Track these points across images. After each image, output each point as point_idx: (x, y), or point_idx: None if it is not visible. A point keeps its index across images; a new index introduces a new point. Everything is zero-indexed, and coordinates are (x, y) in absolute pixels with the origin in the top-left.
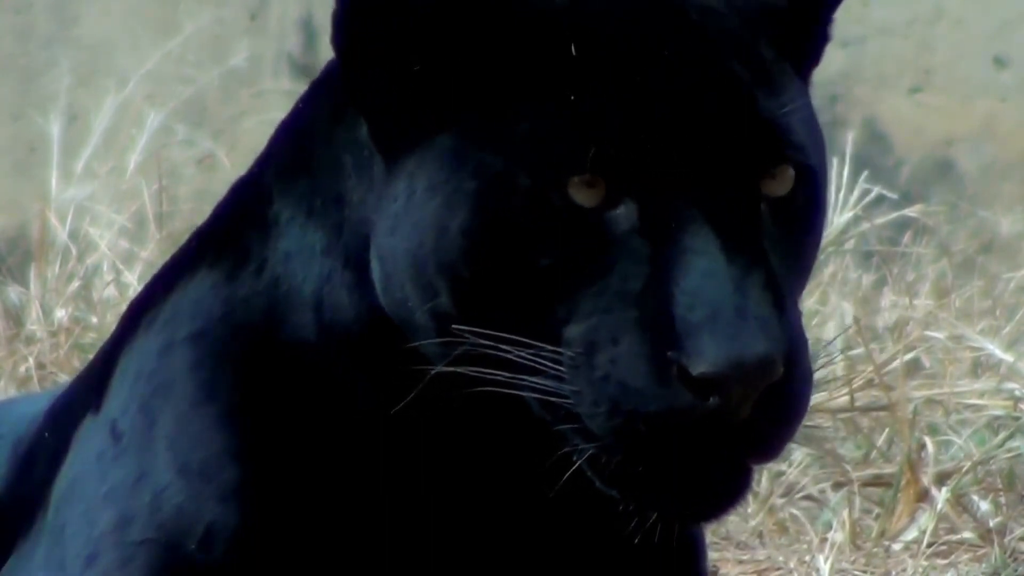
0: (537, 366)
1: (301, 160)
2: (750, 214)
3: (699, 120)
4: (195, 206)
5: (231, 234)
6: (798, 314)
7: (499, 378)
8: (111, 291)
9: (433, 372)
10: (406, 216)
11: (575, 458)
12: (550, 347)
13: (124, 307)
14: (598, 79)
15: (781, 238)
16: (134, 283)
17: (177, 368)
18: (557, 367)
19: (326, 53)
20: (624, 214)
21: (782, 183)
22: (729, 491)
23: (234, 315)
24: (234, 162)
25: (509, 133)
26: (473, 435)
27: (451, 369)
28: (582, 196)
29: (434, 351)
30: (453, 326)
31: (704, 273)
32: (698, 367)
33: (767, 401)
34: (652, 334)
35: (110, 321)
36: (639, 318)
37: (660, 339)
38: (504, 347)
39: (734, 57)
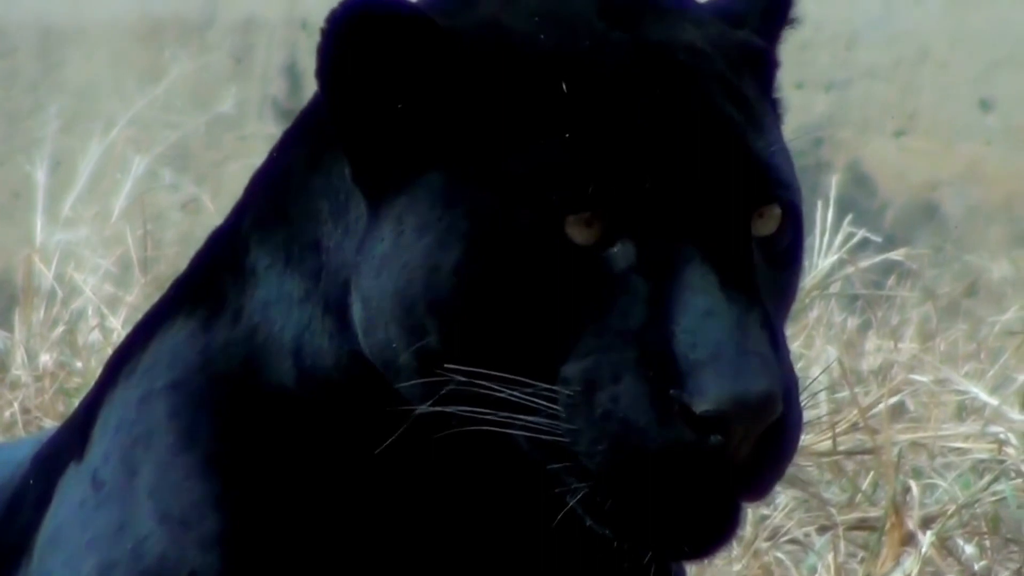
0: (532, 405)
1: (278, 208)
2: (746, 252)
3: (695, 159)
4: (180, 250)
5: (208, 283)
6: (789, 353)
7: (489, 417)
8: (96, 336)
9: (417, 412)
10: (394, 257)
11: (568, 498)
12: (545, 385)
13: (109, 352)
14: (593, 117)
15: (768, 277)
16: (118, 328)
17: (156, 417)
18: (553, 406)
19: (310, 97)
20: (621, 252)
21: (769, 222)
22: (722, 529)
23: (212, 364)
24: (218, 206)
25: (504, 171)
26: (458, 475)
27: (437, 409)
28: (579, 234)
29: (415, 392)
30: (445, 365)
31: (704, 311)
32: (701, 405)
33: (764, 440)
34: (653, 372)
35: (95, 366)
36: (640, 356)
37: (662, 377)
38: (494, 386)
39: (724, 97)
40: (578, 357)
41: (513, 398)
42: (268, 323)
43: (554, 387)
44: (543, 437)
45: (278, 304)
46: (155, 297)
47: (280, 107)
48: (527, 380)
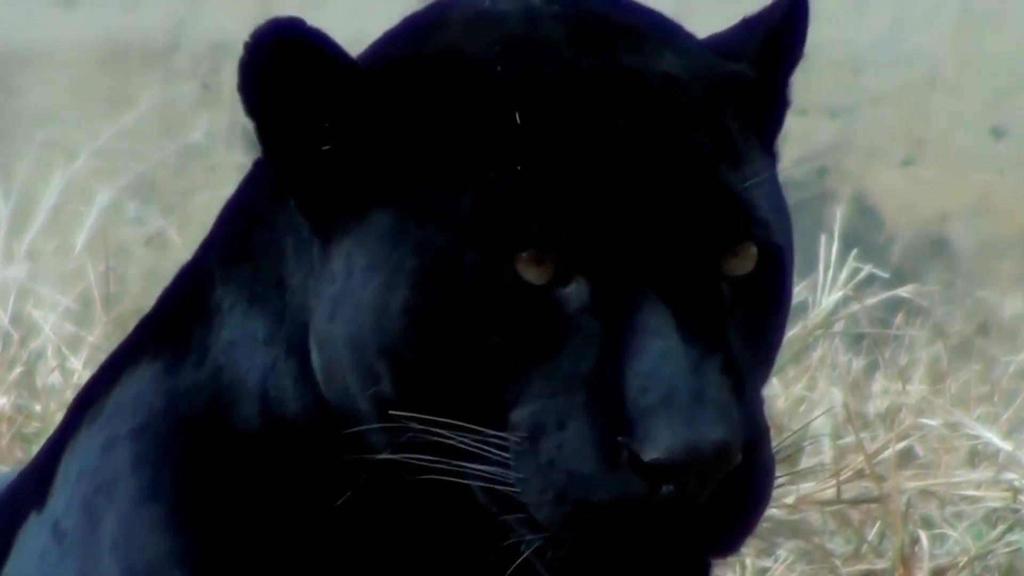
0: (481, 452)
1: (243, 244)
2: (710, 293)
3: (655, 192)
4: (144, 287)
5: (173, 323)
6: (760, 400)
7: (441, 466)
8: (55, 378)
9: (376, 460)
10: (345, 298)
11: (522, 548)
12: (493, 432)
13: (69, 395)
14: (546, 149)
15: (743, 320)
16: (79, 369)
17: (119, 465)
18: (502, 453)
19: None
20: (575, 292)
21: (744, 262)
22: None
23: (176, 408)
24: (185, 240)
25: (452, 207)
26: (425, 524)
27: (395, 457)
28: (531, 273)
29: (379, 440)
30: (391, 412)
31: (658, 354)
32: (650, 453)
33: (726, 491)
34: (601, 418)
35: (54, 409)
36: (588, 401)
37: (610, 423)
38: (445, 433)
39: (697, 127)
40: (527, 402)
41: (463, 446)
42: (233, 365)
43: (504, 434)
44: (494, 487)
45: (243, 345)
46: (118, 336)
47: (250, 135)
48: (477, 427)
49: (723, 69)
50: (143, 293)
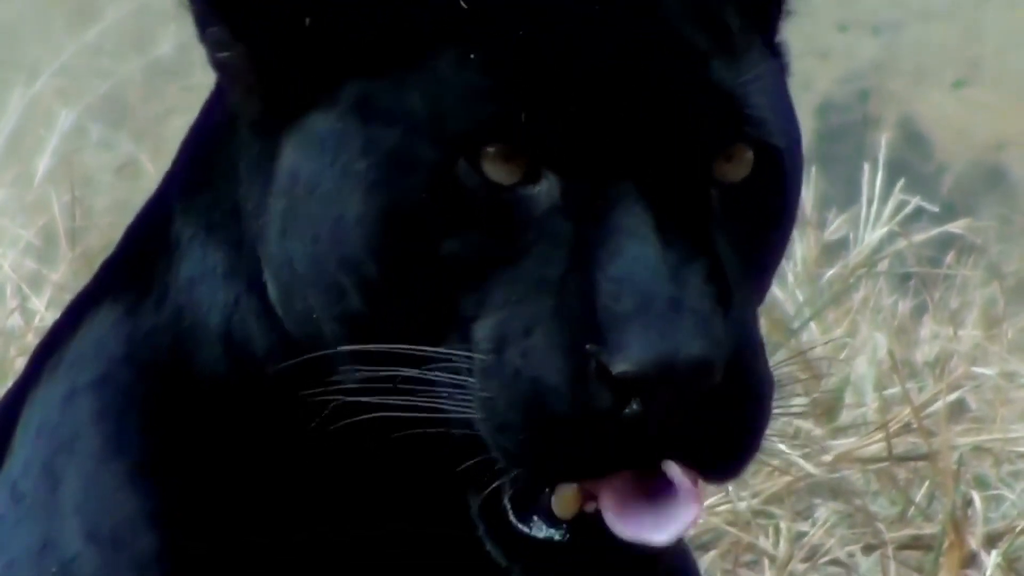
0: (452, 380)
1: (202, 171)
2: (696, 195)
3: (637, 83)
4: (113, 220)
5: (135, 261)
6: (753, 317)
7: (404, 402)
8: (15, 320)
9: (346, 399)
10: (295, 211)
11: (506, 489)
12: (464, 353)
13: (31, 338)
14: (516, 31)
15: (736, 231)
16: (41, 310)
17: (80, 419)
18: (469, 378)
19: None
20: (545, 190)
21: (738, 167)
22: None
23: (137, 355)
24: (159, 168)
25: (405, 101)
26: (398, 469)
27: (356, 398)
28: (499, 172)
29: (347, 369)
30: (350, 347)
31: (634, 258)
32: (619, 365)
33: (711, 411)
34: (569, 324)
35: (14, 355)
36: (555, 307)
37: (578, 330)
38: (402, 368)
39: (690, 18)
40: (491, 313)
41: (430, 377)
42: (194, 304)
43: (471, 353)
44: (461, 414)
45: (203, 281)
46: (84, 275)
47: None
48: (448, 352)
49: None
50: (112, 227)
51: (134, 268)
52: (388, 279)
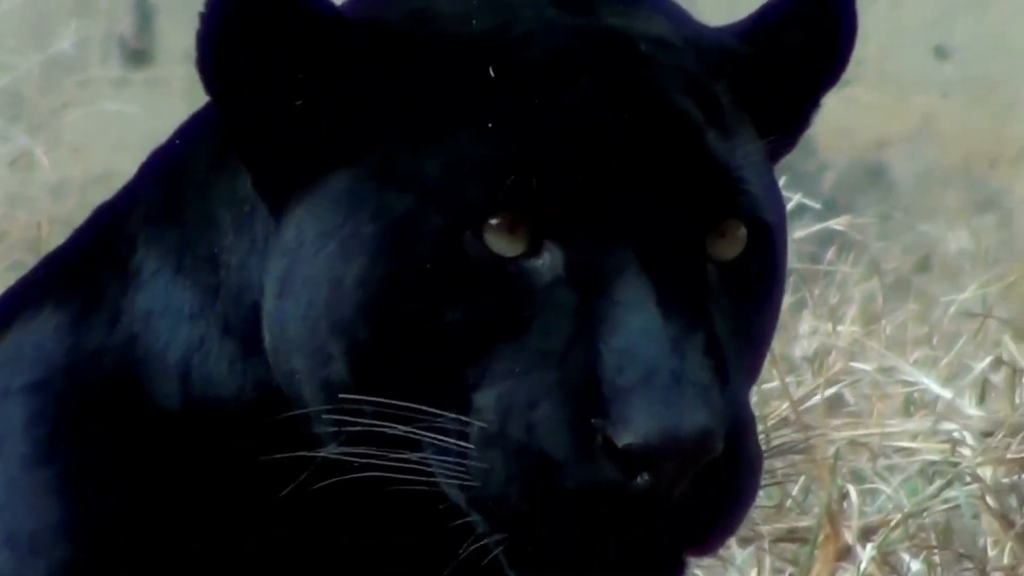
0: (438, 443)
1: (172, 207)
2: (694, 267)
3: (637, 157)
4: (7, 212)
5: (86, 272)
6: (746, 390)
7: (392, 462)
8: None
9: (319, 456)
10: (294, 272)
11: (491, 548)
12: (454, 416)
13: None
14: (521, 105)
15: (730, 308)
16: None
17: (10, 422)
18: (461, 443)
19: (162, 37)
20: (548, 262)
21: (732, 243)
22: None
23: (81, 368)
24: (53, 161)
25: (417, 170)
26: (371, 528)
27: (339, 454)
28: (501, 243)
29: (325, 430)
30: (340, 395)
31: (637, 330)
32: (625, 438)
33: (706, 484)
34: (574, 398)
35: None
36: (560, 380)
37: (583, 404)
38: (395, 425)
39: (683, 93)
40: (493, 383)
41: (417, 436)
42: (150, 336)
43: (466, 418)
44: (453, 481)
45: (163, 317)
46: None
47: (128, 46)
48: (438, 411)
49: (717, 40)
50: (6, 219)
51: (83, 277)
52: (380, 343)
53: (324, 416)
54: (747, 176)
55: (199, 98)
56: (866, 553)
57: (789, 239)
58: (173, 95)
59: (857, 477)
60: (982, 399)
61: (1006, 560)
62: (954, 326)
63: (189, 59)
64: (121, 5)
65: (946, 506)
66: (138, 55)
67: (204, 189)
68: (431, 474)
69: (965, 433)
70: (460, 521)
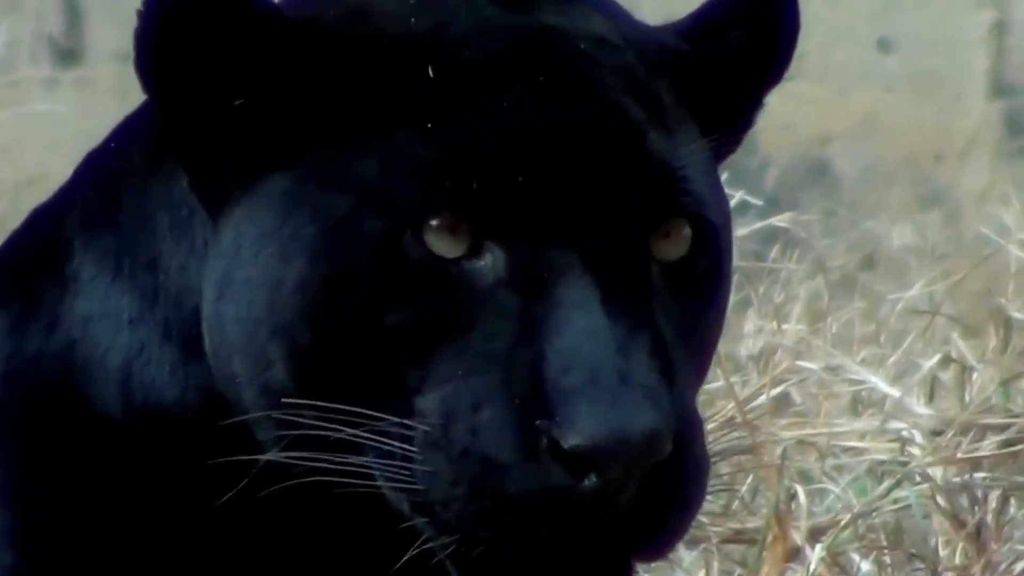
0: (381, 446)
1: (109, 211)
2: (638, 269)
3: (578, 155)
4: None
5: (22, 277)
6: (692, 393)
7: (335, 466)
8: None
9: (261, 461)
10: (234, 275)
11: (437, 552)
12: (397, 420)
13: None
14: (460, 108)
15: (676, 309)
16: None
17: None
18: (405, 447)
19: (92, 36)
20: (490, 264)
21: (677, 244)
22: None
23: (20, 374)
24: None
25: (356, 170)
26: (314, 533)
27: (282, 458)
28: (442, 244)
29: (266, 435)
30: (282, 399)
31: (581, 331)
32: (571, 439)
33: (654, 488)
34: (519, 400)
35: None
36: (504, 381)
37: (528, 406)
38: (339, 428)
39: (624, 91)
40: (435, 386)
41: (360, 439)
42: (89, 342)
43: (409, 421)
44: (397, 485)
45: (102, 322)
46: None
47: (57, 46)
48: (381, 415)
49: (658, 38)
50: None
51: (20, 283)
52: (321, 347)
53: (265, 420)
54: (691, 175)
55: (131, 97)
56: (815, 554)
57: (732, 237)
58: (104, 95)
59: (805, 477)
60: (931, 397)
61: (957, 560)
62: (901, 324)
63: (120, 58)
64: (50, 4)
65: (896, 506)
66: (68, 55)
67: (141, 192)
68: (374, 478)
69: (914, 432)
70: (406, 525)
